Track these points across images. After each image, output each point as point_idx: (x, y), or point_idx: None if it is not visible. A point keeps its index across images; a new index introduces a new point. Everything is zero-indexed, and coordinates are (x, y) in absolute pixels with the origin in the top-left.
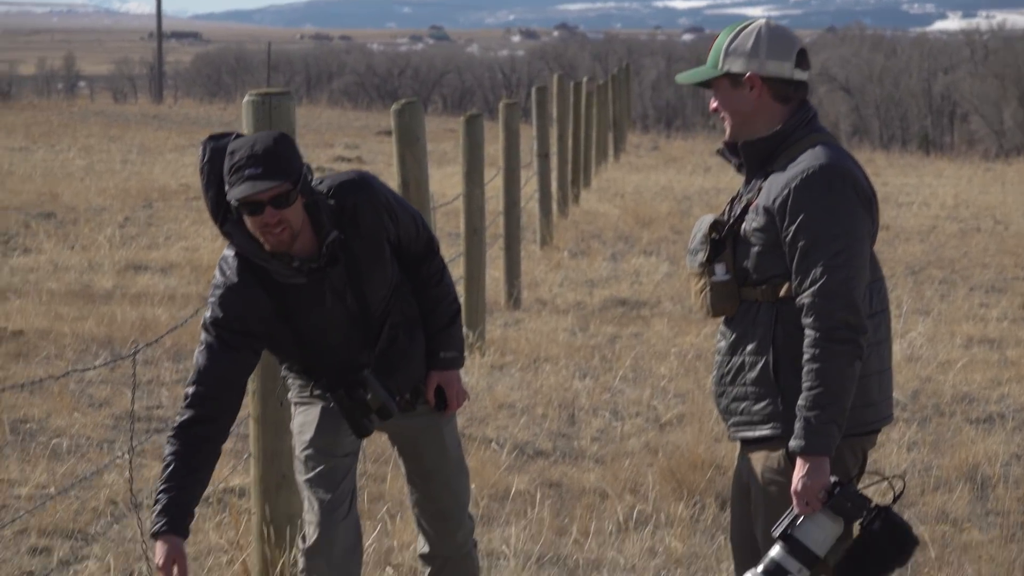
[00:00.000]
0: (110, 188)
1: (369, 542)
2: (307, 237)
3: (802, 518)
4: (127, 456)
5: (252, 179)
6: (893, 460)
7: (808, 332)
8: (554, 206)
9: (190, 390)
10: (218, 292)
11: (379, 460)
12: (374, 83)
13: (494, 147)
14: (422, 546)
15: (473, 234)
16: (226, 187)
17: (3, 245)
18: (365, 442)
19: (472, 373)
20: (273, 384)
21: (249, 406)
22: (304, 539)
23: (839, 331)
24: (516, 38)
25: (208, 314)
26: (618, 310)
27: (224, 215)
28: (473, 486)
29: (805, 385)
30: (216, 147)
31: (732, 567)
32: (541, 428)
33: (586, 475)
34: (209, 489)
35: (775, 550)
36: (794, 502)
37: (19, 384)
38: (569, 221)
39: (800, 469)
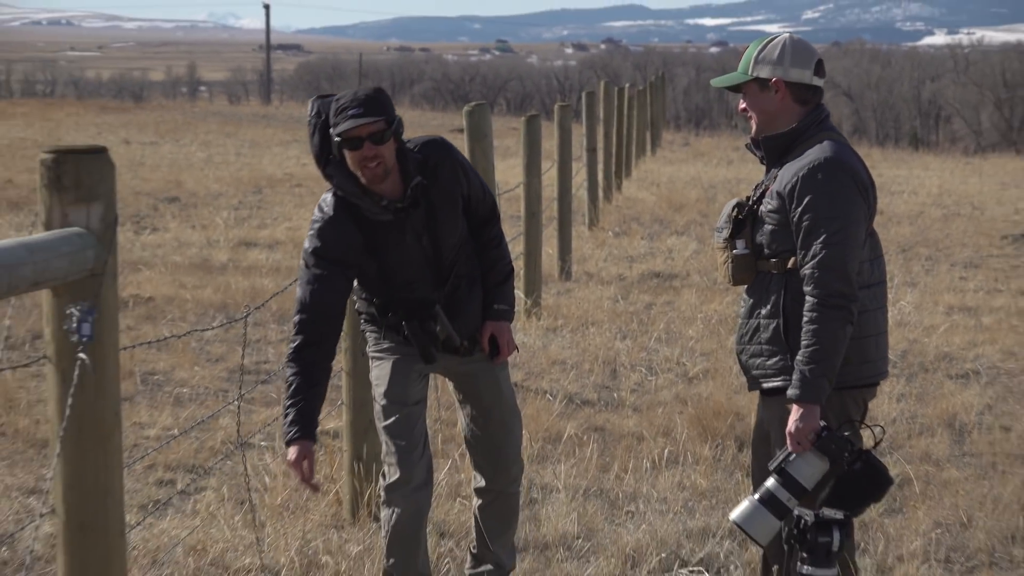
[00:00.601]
0: (225, 177)
1: (441, 477)
2: (395, 180)
3: (794, 456)
4: (238, 403)
5: (355, 116)
6: (885, 409)
7: (807, 298)
8: (600, 193)
9: (296, 319)
10: (316, 226)
11: (450, 408)
12: (449, 88)
13: (550, 143)
14: (477, 481)
15: (531, 217)
16: (331, 129)
17: (135, 224)
18: (435, 391)
19: (530, 334)
20: (362, 344)
21: (342, 362)
22: (384, 476)
23: (833, 298)
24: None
25: (307, 246)
26: (653, 282)
27: (327, 159)
28: (529, 430)
29: (803, 343)
30: (322, 102)
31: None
32: (588, 381)
33: (625, 421)
34: None
35: (770, 482)
36: (788, 442)
37: (148, 342)
38: (613, 206)
39: (794, 414)
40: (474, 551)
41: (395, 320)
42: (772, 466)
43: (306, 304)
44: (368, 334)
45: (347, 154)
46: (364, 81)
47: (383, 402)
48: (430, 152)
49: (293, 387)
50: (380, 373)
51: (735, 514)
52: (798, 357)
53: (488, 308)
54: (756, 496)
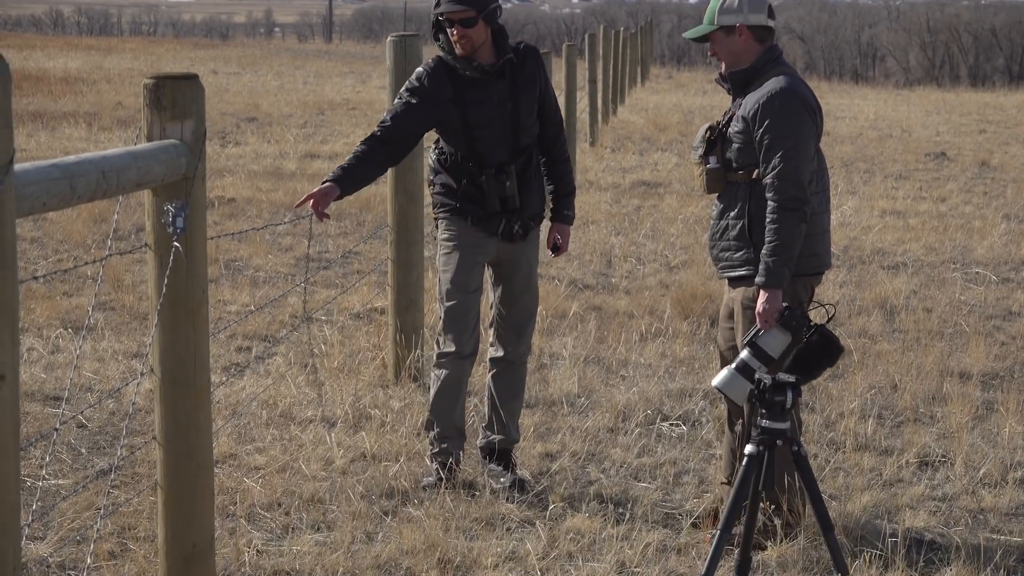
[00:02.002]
0: (294, 101)
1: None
2: (488, 51)
3: (762, 332)
4: (304, 285)
5: (450, 2)
6: (830, 294)
7: (769, 203)
8: (599, 117)
9: (381, 124)
10: (418, 71)
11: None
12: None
13: (559, 76)
14: (496, 351)
15: None
16: (433, 11)
17: (221, 139)
18: (489, 279)
19: (541, 231)
20: (406, 234)
21: (388, 251)
22: (439, 345)
23: (790, 202)
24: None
25: (407, 83)
26: (642, 188)
27: (438, 31)
28: (540, 309)
29: (766, 240)
30: None
31: (718, 365)
32: (588, 269)
33: (619, 302)
34: (359, 308)
35: (744, 353)
36: (757, 320)
37: (231, 233)
38: (609, 127)
39: (761, 297)
40: (485, 424)
41: (473, 171)
42: (745, 340)
43: (394, 116)
44: (440, 219)
45: (446, 31)
46: (408, 25)
47: (447, 287)
48: (525, 47)
49: (349, 159)
50: (448, 261)
51: (716, 381)
52: (763, 251)
53: (558, 213)
54: (732, 365)
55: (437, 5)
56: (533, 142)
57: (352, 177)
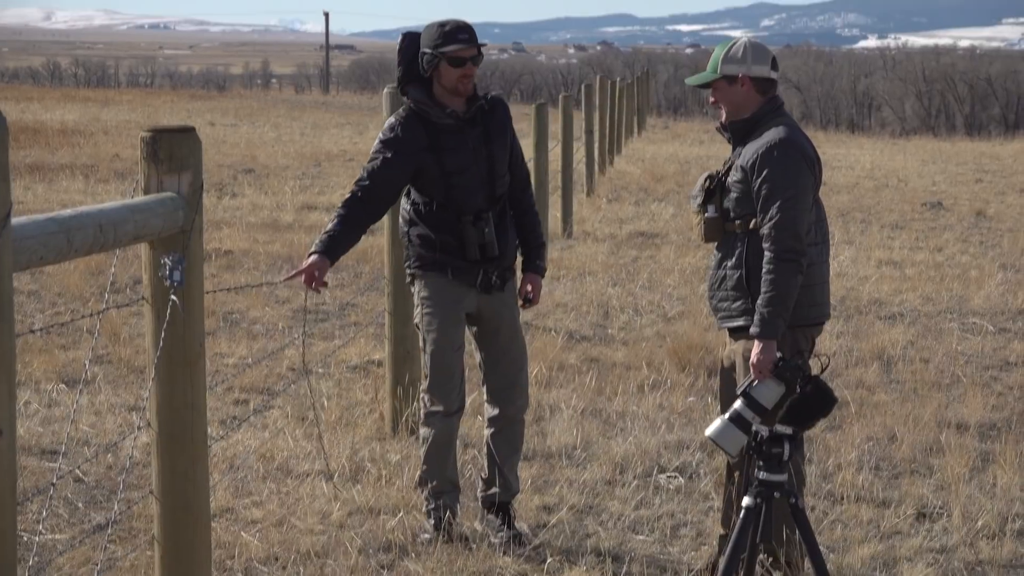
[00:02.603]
0: (291, 152)
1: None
2: (462, 99)
3: (757, 382)
4: (301, 338)
5: (464, 42)
6: (827, 344)
7: (766, 253)
8: (596, 167)
9: (359, 183)
10: (390, 122)
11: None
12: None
13: (555, 126)
14: (491, 410)
15: (540, 186)
16: (434, 48)
17: (218, 191)
18: (472, 340)
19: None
20: (404, 287)
21: (385, 303)
22: (425, 404)
23: (786, 253)
24: (571, 51)
25: (380, 138)
26: (639, 239)
27: (408, 80)
28: (537, 361)
29: (762, 290)
30: (410, 38)
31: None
32: (585, 320)
33: (616, 353)
34: (356, 360)
35: (738, 403)
36: (751, 371)
37: (228, 288)
38: (606, 178)
39: (756, 348)
40: (485, 476)
41: (450, 219)
42: (739, 391)
43: (371, 174)
44: (417, 277)
45: (446, 69)
46: None
47: (432, 347)
48: (493, 97)
49: (333, 225)
50: (431, 321)
51: (710, 431)
52: (758, 301)
53: (531, 263)
54: (727, 416)
55: (440, 45)
56: (506, 191)
57: (339, 244)
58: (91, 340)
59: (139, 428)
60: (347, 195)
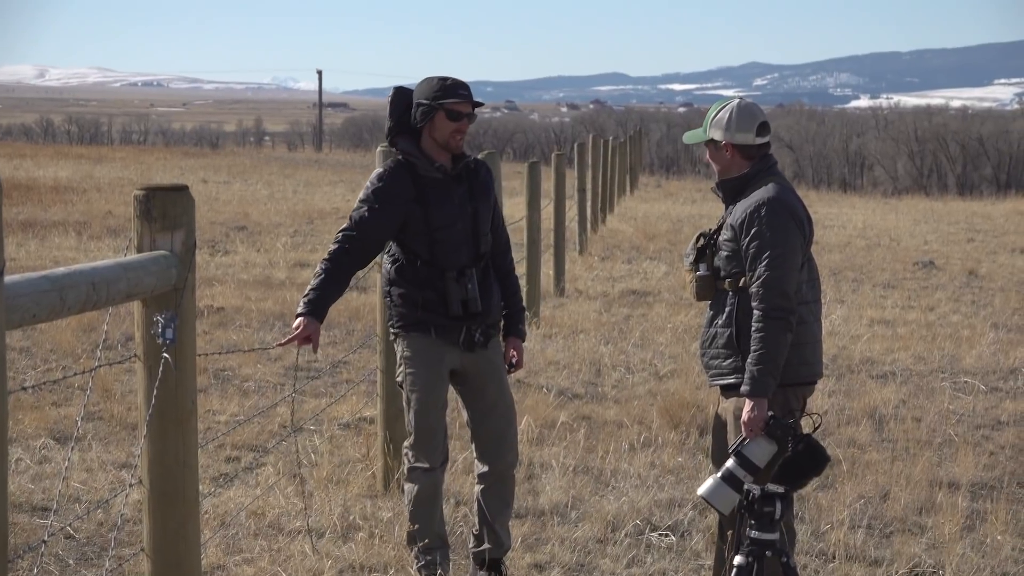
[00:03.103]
0: (284, 210)
1: (459, 456)
2: (449, 156)
3: (748, 441)
4: (292, 395)
5: (464, 98)
6: (819, 403)
7: (755, 311)
8: (588, 225)
9: (344, 232)
10: (378, 172)
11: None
12: (467, 139)
13: (548, 184)
14: (480, 467)
15: (532, 244)
16: (435, 100)
17: (211, 248)
18: (455, 398)
19: (530, 340)
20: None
21: (377, 360)
22: (408, 460)
23: (775, 311)
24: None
25: (367, 188)
26: (631, 298)
27: (397, 133)
28: (529, 418)
29: (752, 348)
30: (402, 91)
31: (709, 475)
32: (577, 378)
33: (608, 411)
34: (348, 417)
35: (730, 462)
36: (743, 430)
37: (220, 352)
38: (598, 236)
39: (747, 406)
40: (476, 532)
41: (433, 275)
42: (731, 449)
43: (358, 224)
44: (400, 336)
45: (442, 121)
46: None
47: (417, 406)
48: (476, 159)
49: (320, 278)
50: (415, 380)
51: (702, 490)
52: (748, 360)
53: (513, 328)
54: (719, 474)
55: (439, 97)
56: (490, 251)
57: (326, 299)
58: (83, 397)
59: (131, 485)
60: (333, 245)
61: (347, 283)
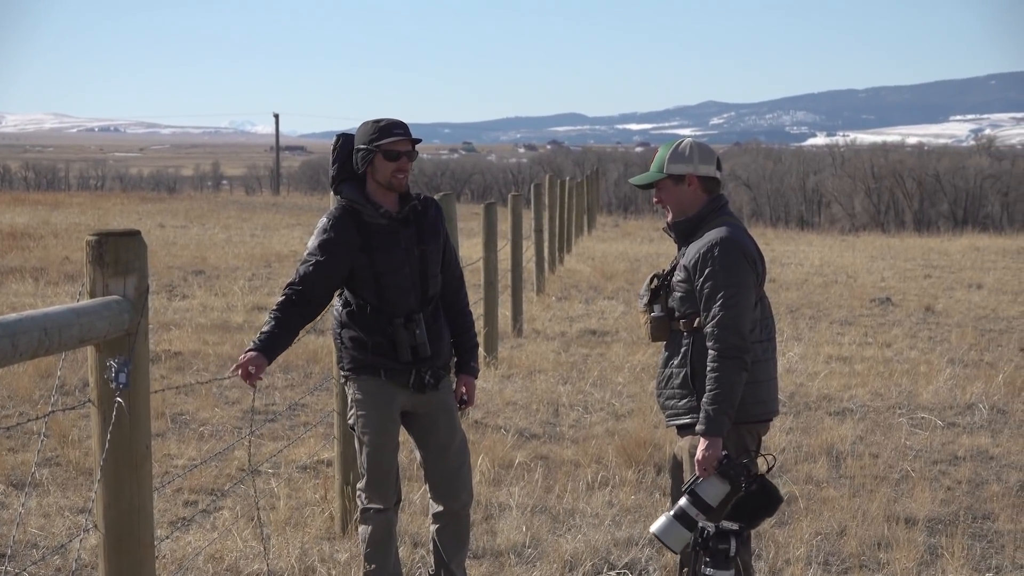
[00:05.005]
0: (242, 254)
1: (416, 497)
2: (393, 198)
3: (701, 480)
4: (249, 438)
5: (400, 136)
6: (776, 440)
7: (709, 351)
8: (546, 266)
9: (293, 287)
10: (322, 223)
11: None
12: (424, 181)
13: (505, 225)
14: (435, 507)
15: (489, 285)
16: (371, 143)
17: (168, 292)
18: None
19: (488, 380)
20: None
21: (334, 403)
22: (362, 501)
23: (730, 351)
24: (521, 150)
25: (313, 239)
26: (589, 337)
27: (341, 179)
28: (486, 458)
29: (707, 388)
30: (345, 138)
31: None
32: (535, 418)
33: (565, 451)
34: (306, 460)
35: (683, 500)
36: (696, 468)
37: (176, 387)
38: (556, 276)
39: (701, 445)
40: (432, 572)
41: (382, 321)
42: (684, 488)
43: (304, 278)
44: (350, 380)
45: (381, 163)
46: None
47: (368, 449)
48: (426, 198)
49: (271, 324)
50: (366, 423)
51: (654, 527)
52: (703, 399)
53: (465, 365)
54: (671, 512)
55: (375, 139)
56: (439, 292)
57: (276, 344)
58: (39, 442)
59: (86, 530)
60: (281, 297)
61: (296, 332)
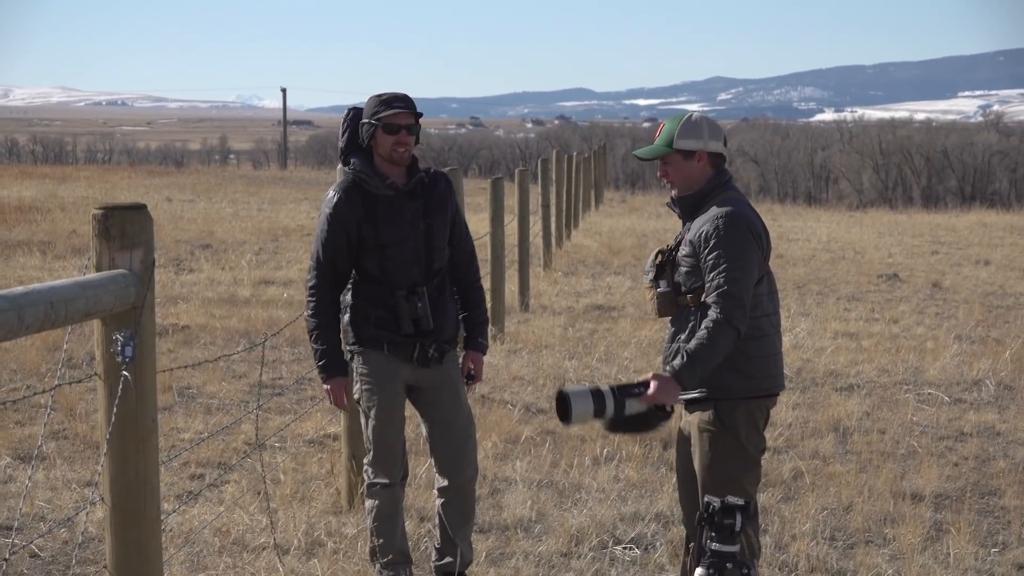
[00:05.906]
0: (249, 228)
1: (422, 471)
2: (400, 170)
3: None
4: (256, 412)
5: (400, 110)
6: (783, 415)
7: (710, 313)
8: (553, 241)
9: (313, 267)
10: (329, 197)
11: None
12: (431, 156)
13: (512, 200)
14: (440, 481)
15: (496, 260)
16: (372, 117)
17: (175, 266)
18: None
19: (495, 356)
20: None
21: None
22: (368, 476)
23: (730, 319)
24: (529, 125)
25: (322, 214)
26: (596, 313)
27: (350, 152)
28: (493, 433)
29: (696, 336)
30: (356, 111)
31: (673, 488)
32: (541, 393)
33: (572, 426)
34: (312, 434)
35: (605, 386)
36: (651, 389)
37: (184, 366)
38: (563, 251)
39: (664, 381)
40: (438, 546)
41: (384, 293)
42: (615, 385)
43: (318, 262)
44: (355, 354)
45: (382, 136)
46: None
47: (374, 422)
48: (435, 171)
49: (316, 331)
50: (371, 397)
51: (570, 389)
52: (689, 344)
53: (473, 341)
54: (589, 387)
55: (377, 112)
56: (445, 267)
57: (336, 354)
58: (46, 415)
59: (93, 504)
60: (307, 290)
61: (336, 315)
